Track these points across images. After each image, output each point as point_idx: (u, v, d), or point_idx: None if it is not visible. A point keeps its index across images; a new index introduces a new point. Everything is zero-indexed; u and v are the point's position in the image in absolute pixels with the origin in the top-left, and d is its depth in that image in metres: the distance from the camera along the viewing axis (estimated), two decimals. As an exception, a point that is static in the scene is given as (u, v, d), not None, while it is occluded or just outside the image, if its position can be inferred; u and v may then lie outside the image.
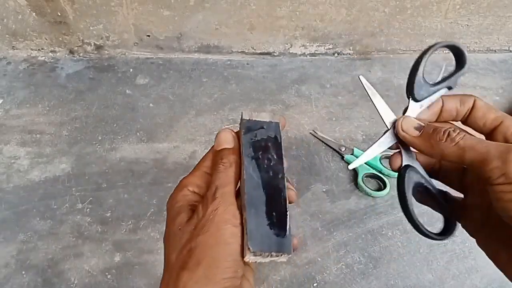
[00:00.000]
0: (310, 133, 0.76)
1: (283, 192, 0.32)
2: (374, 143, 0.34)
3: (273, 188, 0.31)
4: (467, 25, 0.91)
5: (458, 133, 0.29)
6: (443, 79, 0.35)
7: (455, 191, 0.34)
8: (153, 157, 0.72)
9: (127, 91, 0.84)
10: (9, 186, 0.67)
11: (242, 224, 0.29)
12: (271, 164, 0.32)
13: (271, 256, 0.29)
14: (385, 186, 0.67)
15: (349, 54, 0.95)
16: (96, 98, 0.82)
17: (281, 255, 0.29)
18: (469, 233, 0.32)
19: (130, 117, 0.78)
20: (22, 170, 0.69)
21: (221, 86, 0.86)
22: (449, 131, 0.29)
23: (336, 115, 0.80)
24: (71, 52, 0.91)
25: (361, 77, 0.35)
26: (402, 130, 0.32)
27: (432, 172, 0.34)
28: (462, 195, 0.34)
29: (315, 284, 0.57)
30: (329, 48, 0.93)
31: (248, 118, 0.35)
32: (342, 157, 0.72)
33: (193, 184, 0.32)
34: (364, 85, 0.35)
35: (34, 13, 0.83)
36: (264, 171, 0.32)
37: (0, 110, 0.79)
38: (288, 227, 0.30)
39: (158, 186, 0.67)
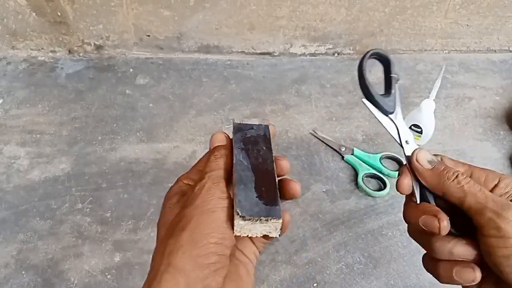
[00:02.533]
0: (310, 133, 0.76)
1: (272, 174, 0.33)
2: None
3: (262, 170, 0.33)
4: (467, 25, 0.91)
5: (465, 177, 0.31)
6: (387, 89, 0.39)
7: None
8: (153, 157, 0.72)
9: (127, 91, 0.84)
10: (9, 186, 0.67)
11: (230, 198, 0.29)
12: (260, 153, 0.34)
13: (260, 221, 0.29)
14: (385, 186, 0.67)
15: (349, 54, 0.95)
16: (96, 98, 0.82)
17: (270, 219, 0.29)
18: None
19: (130, 117, 0.78)
20: (22, 170, 0.69)
21: (221, 86, 0.86)
22: (458, 174, 0.31)
23: (336, 115, 0.80)
24: (71, 52, 0.91)
25: (364, 100, 0.37)
26: (416, 161, 0.34)
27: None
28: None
29: (315, 284, 0.57)
30: (329, 48, 0.93)
31: (239, 122, 0.38)
32: (342, 157, 0.72)
33: (187, 178, 0.33)
34: (370, 109, 0.37)
35: (34, 13, 0.83)
36: (253, 158, 0.33)
37: (0, 110, 0.79)
38: (278, 200, 0.31)
39: (158, 186, 0.67)
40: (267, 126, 0.38)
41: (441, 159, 0.34)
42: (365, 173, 0.69)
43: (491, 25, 0.91)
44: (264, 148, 0.35)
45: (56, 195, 0.66)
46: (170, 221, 0.29)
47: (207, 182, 0.29)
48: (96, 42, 0.89)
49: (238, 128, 0.36)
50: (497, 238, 0.27)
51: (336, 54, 0.95)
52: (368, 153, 0.72)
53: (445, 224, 0.30)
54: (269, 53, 0.93)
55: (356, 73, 0.39)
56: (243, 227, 0.28)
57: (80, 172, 0.69)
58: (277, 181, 0.32)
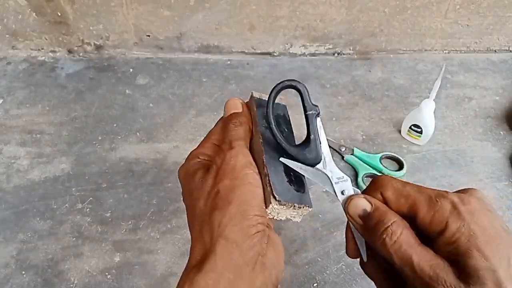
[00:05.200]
0: (310, 133, 0.76)
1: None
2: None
3: (287, 154, 0.32)
4: (467, 25, 0.91)
5: (392, 235, 0.26)
6: (307, 133, 0.32)
7: None
8: (153, 157, 0.71)
9: (127, 91, 0.84)
10: (9, 186, 0.67)
11: (261, 174, 0.30)
12: (283, 135, 0.32)
13: (294, 207, 0.29)
14: (385, 186, 0.67)
15: (349, 54, 0.95)
16: (96, 98, 0.82)
17: (303, 206, 0.30)
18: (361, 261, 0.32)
19: (130, 117, 0.78)
20: (22, 170, 0.69)
21: (221, 86, 0.85)
22: (388, 229, 0.26)
23: (336, 115, 0.80)
24: (71, 52, 0.91)
25: (281, 159, 0.31)
26: (349, 216, 0.30)
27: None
28: None
29: (315, 284, 0.57)
30: (329, 48, 0.93)
31: (258, 97, 0.36)
32: (342, 157, 0.72)
33: (203, 154, 0.33)
34: (291, 166, 0.31)
35: (34, 13, 0.83)
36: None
37: (0, 110, 0.79)
38: (306, 187, 0.31)
39: (158, 186, 0.67)
40: (285, 107, 0.37)
41: (372, 206, 0.28)
42: (365, 173, 0.69)
43: (491, 25, 0.91)
44: (285, 129, 0.34)
45: (56, 195, 0.66)
46: (208, 192, 0.29)
47: (239, 154, 0.30)
48: (96, 42, 0.89)
49: (259, 104, 0.35)
50: None
51: (336, 54, 0.95)
52: (368, 153, 0.72)
53: None
54: (269, 53, 0.93)
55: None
56: (275, 209, 0.29)
57: (80, 172, 0.69)
58: None
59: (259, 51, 0.92)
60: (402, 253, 0.26)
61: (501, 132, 0.78)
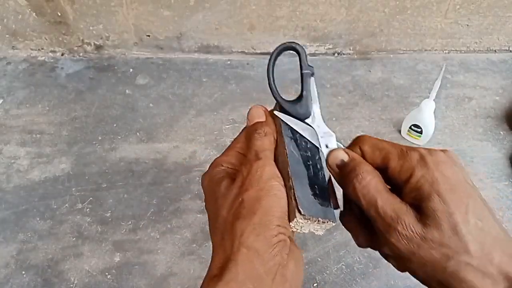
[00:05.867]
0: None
1: (322, 170, 0.33)
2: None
3: (312, 166, 0.32)
4: (467, 25, 0.91)
5: (361, 178, 0.28)
6: (301, 90, 0.34)
7: None
8: (153, 157, 0.71)
9: (127, 91, 0.84)
10: (9, 186, 0.67)
11: (286, 187, 0.30)
12: (308, 146, 0.33)
13: (318, 222, 0.30)
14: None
15: (349, 54, 0.95)
16: (96, 98, 0.82)
17: (327, 221, 0.30)
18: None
19: (130, 117, 0.78)
20: (22, 170, 0.69)
21: (221, 86, 0.85)
22: (357, 174, 0.29)
23: (336, 115, 0.80)
24: (71, 52, 0.91)
25: (275, 112, 0.34)
26: (328, 165, 0.32)
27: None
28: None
29: (315, 284, 0.57)
30: (329, 48, 0.93)
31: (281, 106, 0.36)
32: (342, 157, 0.72)
33: (228, 162, 0.33)
34: (284, 120, 0.33)
35: (34, 13, 0.83)
36: (303, 151, 0.33)
37: (0, 110, 0.79)
38: (330, 201, 0.31)
39: (158, 186, 0.67)
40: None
41: (349, 157, 0.31)
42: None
43: (491, 25, 0.91)
44: (310, 140, 0.34)
45: (56, 195, 0.66)
46: (232, 200, 0.29)
47: (266, 164, 0.30)
48: (96, 42, 0.89)
49: (279, 104, 0.35)
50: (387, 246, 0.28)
51: (336, 54, 0.95)
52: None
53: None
54: (269, 53, 0.93)
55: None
56: (299, 223, 0.29)
57: (80, 172, 0.69)
58: (326, 178, 0.33)
59: (259, 51, 0.92)
60: (369, 196, 0.28)
61: (501, 132, 0.78)
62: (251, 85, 0.86)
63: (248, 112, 0.35)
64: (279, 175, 0.30)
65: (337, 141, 0.33)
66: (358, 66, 0.92)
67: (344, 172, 0.30)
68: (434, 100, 0.69)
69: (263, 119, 0.34)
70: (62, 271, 0.57)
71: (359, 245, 0.32)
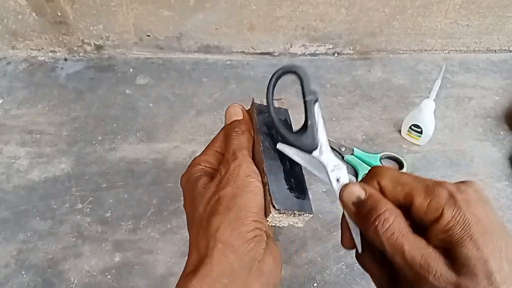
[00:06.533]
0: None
1: (299, 164, 0.32)
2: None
3: (288, 160, 0.32)
4: (467, 25, 0.91)
5: (384, 223, 0.26)
6: (305, 119, 0.31)
7: None
8: (153, 157, 0.71)
9: (127, 91, 0.84)
10: (9, 186, 0.67)
11: (262, 183, 0.30)
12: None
13: (294, 214, 0.30)
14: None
15: (349, 54, 0.95)
16: (96, 98, 0.82)
17: (303, 213, 0.30)
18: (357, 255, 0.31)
19: (130, 117, 0.78)
20: (22, 170, 0.69)
21: (221, 86, 0.85)
22: (380, 217, 0.26)
23: (336, 115, 0.80)
24: (71, 52, 0.91)
25: (279, 145, 0.32)
26: (343, 203, 0.29)
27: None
28: None
29: (315, 284, 0.57)
30: (329, 48, 0.93)
31: (259, 103, 0.36)
32: (342, 157, 0.72)
33: (206, 162, 0.33)
34: (288, 154, 0.32)
35: (34, 13, 0.83)
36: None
37: (0, 110, 0.79)
38: (307, 193, 0.31)
39: (158, 186, 0.67)
40: (286, 111, 0.36)
41: (367, 193, 0.28)
42: (365, 173, 0.69)
43: (491, 25, 0.91)
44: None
45: (56, 195, 0.66)
46: (209, 198, 0.29)
47: (243, 162, 0.30)
48: (96, 42, 0.89)
49: (260, 110, 0.34)
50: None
51: (336, 54, 0.95)
52: (368, 153, 0.72)
53: None
54: (269, 53, 0.93)
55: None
56: (275, 218, 0.29)
57: (80, 172, 0.69)
58: (303, 170, 0.32)
59: (259, 51, 0.92)
60: (394, 240, 0.25)
61: (501, 132, 0.78)
62: (251, 85, 0.86)
63: (226, 110, 0.35)
64: (257, 171, 0.30)
65: (348, 174, 0.31)
66: (358, 66, 0.92)
67: (362, 212, 0.27)
68: (434, 100, 0.69)
69: (240, 117, 0.34)
70: (62, 271, 0.57)
71: None
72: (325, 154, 0.30)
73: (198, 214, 0.29)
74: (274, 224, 0.30)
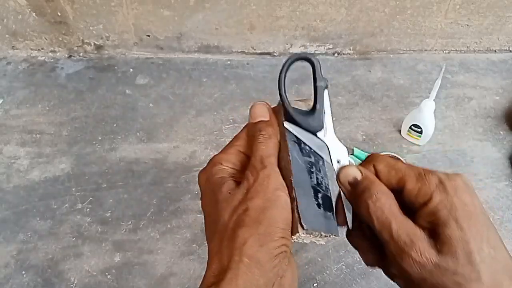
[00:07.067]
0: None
1: (326, 177, 0.32)
2: None
3: (316, 172, 0.32)
4: (467, 25, 0.91)
5: (376, 200, 0.28)
6: (314, 102, 0.33)
7: None
8: (153, 157, 0.71)
9: (127, 91, 0.84)
10: (9, 186, 0.67)
11: (289, 197, 0.29)
12: (311, 150, 0.32)
13: (321, 236, 0.29)
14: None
15: (349, 54, 0.95)
16: (96, 98, 0.82)
17: (330, 235, 0.29)
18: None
19: (130, 117, 0.78)
20: (22, 170, 0.69)
21: (221, 86, 0.85)
22: (372, 195, 0.28)
23: (336, 115, 0.80)
24: (71, 52, 0.91)
25: (285, 123, 0.32)
26: (339, 182, 0.31)
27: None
28: None
29: (315, 284, 0.57)
30: (329, 48, 0.93)
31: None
32: (342, 157, 0.72)
33: (228, 161, 0.32)
34: (294, 132, 0.32)
35: (34, 13, 0.83)
36: (306, 156, 0.32)
37: (0, 110, 0.79)
38: (334, 213, 0.31)
39: (158, 186, 0.67)
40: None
41: (363, 175, 0.30)
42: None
43: (491, 25, 0.91)
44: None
45: (56, 195, 0.66)
46: (235, 206, 0.29)
47: (271, 173, 0.29)
48: (96, 42, 0.89)
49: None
50: (399, 273, 0.27)
51: (336, 54, 0.95)
52: (368, 153, 0.72)
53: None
54: (269, 53, 0.93)
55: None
56: (301, 237, 0.29)
57: (80, 172, 0.69)
58: (330, 188, 0.32)
59: (259, 51, 0.92)
60: (383, 218, 0.27)
61: (501, 132, 0.78)
62: (251, 85, 0.86)
63: (251, 108, 0.33)
64: (284, 184, 0.30)
65: (348, 157, 0.32)
66: (358, 66, 0.92)
67: (357, 191, 0.29)
68: (434, 100, 0.69)
69: (266, 118, 0.33)
70: (62, 271, 0.57)
71: (367, 264, 0.31)
72: (328, 136, 0.32)
73: (222, 221, 0.29)
74: (297, 241, 0.29)
